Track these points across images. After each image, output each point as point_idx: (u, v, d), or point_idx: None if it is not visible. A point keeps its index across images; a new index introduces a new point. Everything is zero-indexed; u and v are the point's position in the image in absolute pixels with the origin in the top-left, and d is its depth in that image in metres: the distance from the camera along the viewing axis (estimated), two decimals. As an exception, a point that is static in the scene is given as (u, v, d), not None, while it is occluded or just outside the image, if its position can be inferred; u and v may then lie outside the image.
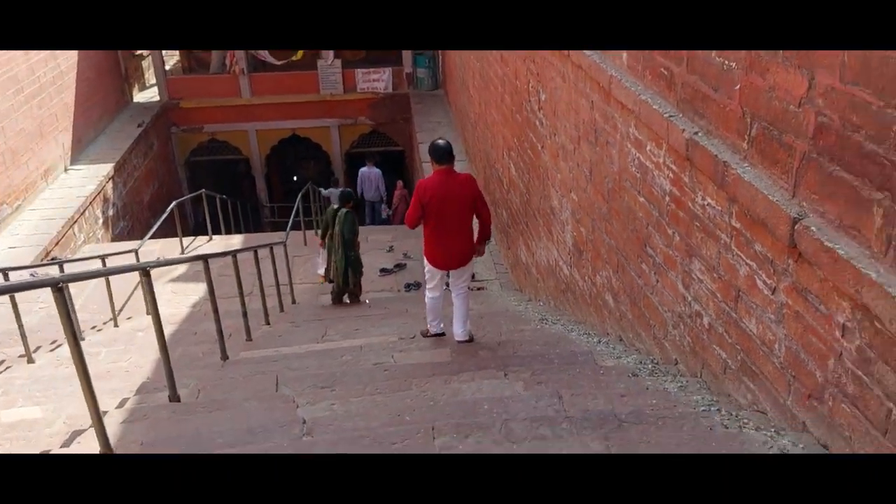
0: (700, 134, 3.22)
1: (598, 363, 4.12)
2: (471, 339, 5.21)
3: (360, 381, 4.11)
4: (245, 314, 6.40)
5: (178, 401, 4.18)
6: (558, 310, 6.21)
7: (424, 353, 4.87)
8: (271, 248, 8.22)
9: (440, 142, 5.08)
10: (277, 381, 4.35)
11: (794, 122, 2.55)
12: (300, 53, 16.63)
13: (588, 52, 4.66)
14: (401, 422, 3.15)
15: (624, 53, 4.17)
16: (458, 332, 5.21)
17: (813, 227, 2.44)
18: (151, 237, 11.15)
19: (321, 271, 8.15)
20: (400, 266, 9.88)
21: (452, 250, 5.12)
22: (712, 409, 3.14)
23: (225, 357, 5.47)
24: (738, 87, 2.87)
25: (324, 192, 13.79)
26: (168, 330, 5.85)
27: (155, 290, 4.32)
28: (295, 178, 19.19)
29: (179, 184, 17.34)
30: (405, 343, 5.39)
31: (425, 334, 5.52)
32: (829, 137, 2.36)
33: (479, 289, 8.41)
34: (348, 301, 8.12)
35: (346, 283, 7.77)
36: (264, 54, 16.61)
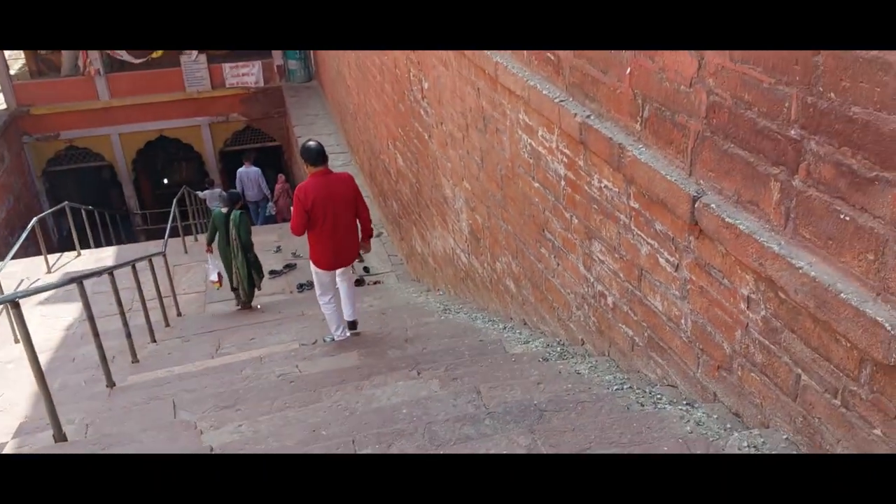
0: (592, 117, 3.25)
1: (508, 351, 4.12)
2: (356, 325, 5.40)
3: (265, 396, 3.91)
4: (129, 334, 5.96)
5: (65, 440, 3.82)
6: (459, 298, 6.20)
7: (330, 359, 4.70)
8: (150, 260, 7.72)
9: (311, 143, 5.02)
10: (174, 405, 4.07)
11: (686, 103, 2.59)
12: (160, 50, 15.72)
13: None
14: (317, 438, 3.00)
15: (507, 39, 4.15)
16: (348, 312, 5.38)
17: (713, 205, 2.50)
18: (13, 257, 10.22)
19: (214, 277, 7.79)
20: (290, 266, 9.58)
21: (341, 249, 5.13)
22: (625, 387, 3.20)
23: (111, 384, 5.07)
24: (628, 70, 2.90)
25: (201, 194, 13.16)
26: (43, 358, 5.35)
27: (23, 314, 3.93)
28: (166, 182, 18.25)
29: (38, 197, 16.04)
30: (308, 349, 5.21)
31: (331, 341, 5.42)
32: (722, 116, 2.41)
33: (375, 282, 8.29)
34: (238, 307, 7.80)
35: (252, 285, 7.57)
36: (121, 53, 15.58)
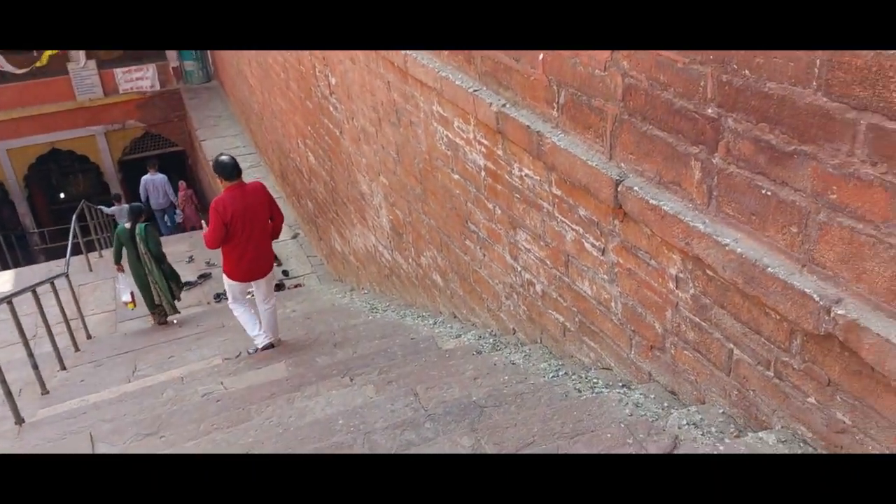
0: (508, 106, 3.20)
1: (441, 347, 4.06)
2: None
3: (190, 419, 3.71)
4: (35, 364, 5.57)
5: (-29, 489, 3.51)
6: (385, 296, 6.09)
7: (257, 372, 4.52)
8: (52, 283, 7.25)
9: (224, 158, 4.95)
10: (92, 438, 3.81)
11: (601, 86, 2.58)
12: (45, 58, 14.78)
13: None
14: (251, 460, 2.86)
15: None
16: (269, 333, 5.33)
17: (636, 187, 2.49)
18: None
19: (126, 297, 7.38)
20: (205, 276, 9.22)
21: (259, 260, 5.06)
22: (561, 373, 3.19)
23: (20, 420, 4.72)
24: (541, 56, 2.87)
25: (106, 210, 12.50)
26: (-62, 400, 4.94)
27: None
28: (63, 197, 17.27)
29: (-80, 223, 14.92)
30: (232, 364, 5.00)
31: (255, 351, 5.24)
32: (639, 98, 2.41)
33: (296, 286, 8.08)
34: (154, 322, 7.44)
35: (173, 297, 7.29)
36: (1, 62, 14.58)
